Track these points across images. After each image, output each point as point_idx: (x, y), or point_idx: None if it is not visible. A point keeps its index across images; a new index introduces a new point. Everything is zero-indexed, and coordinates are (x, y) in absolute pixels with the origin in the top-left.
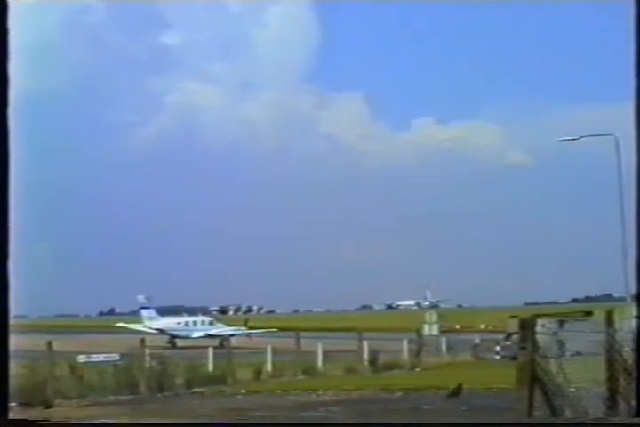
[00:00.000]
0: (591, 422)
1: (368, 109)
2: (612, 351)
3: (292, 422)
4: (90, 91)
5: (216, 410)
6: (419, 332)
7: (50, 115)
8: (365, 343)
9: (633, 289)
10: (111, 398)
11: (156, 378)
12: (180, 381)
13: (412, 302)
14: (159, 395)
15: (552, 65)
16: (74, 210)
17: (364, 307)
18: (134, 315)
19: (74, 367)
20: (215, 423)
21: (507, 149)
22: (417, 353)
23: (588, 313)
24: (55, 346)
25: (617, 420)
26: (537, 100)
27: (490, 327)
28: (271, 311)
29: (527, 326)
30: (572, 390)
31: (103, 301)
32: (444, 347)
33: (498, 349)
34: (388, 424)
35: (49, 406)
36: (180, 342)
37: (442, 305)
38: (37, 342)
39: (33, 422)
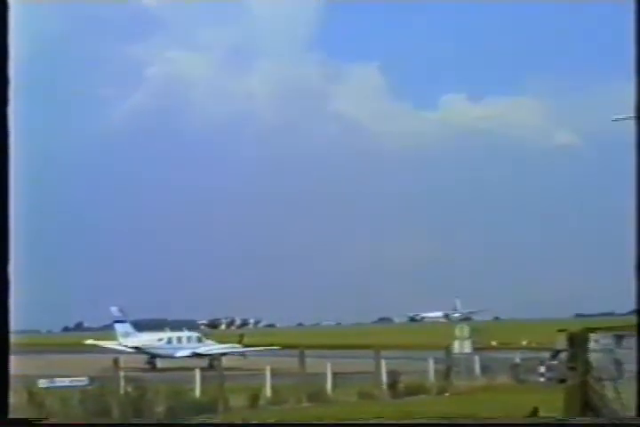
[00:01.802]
0: (592, 422)
1: (385, 83)
2: None
3: None
4: (61, 60)
5: None
6: (448, 349)
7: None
8: (384, 363)
9: None
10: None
11: (133, 406)
12: (160, 409)
13: (439, 314)
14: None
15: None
16: (31, 201)
17: (383, 320)
18: (106, 330)
19: (33, 394)
20: (216, 423)
21: (550, 128)
22: (446, 375)
23: None
24: (10, 368)
25: (617, 420)
26: (586, 72)
27: (533, 344)
28: (271, 325)
29: (578, 342)
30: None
31: (68, 313)
32: (477, 367)
33: (542, 369)
34: (387, 424)
35: None
36: (161, 363)
37: (475, 317)
38: None
39: (33, 422)
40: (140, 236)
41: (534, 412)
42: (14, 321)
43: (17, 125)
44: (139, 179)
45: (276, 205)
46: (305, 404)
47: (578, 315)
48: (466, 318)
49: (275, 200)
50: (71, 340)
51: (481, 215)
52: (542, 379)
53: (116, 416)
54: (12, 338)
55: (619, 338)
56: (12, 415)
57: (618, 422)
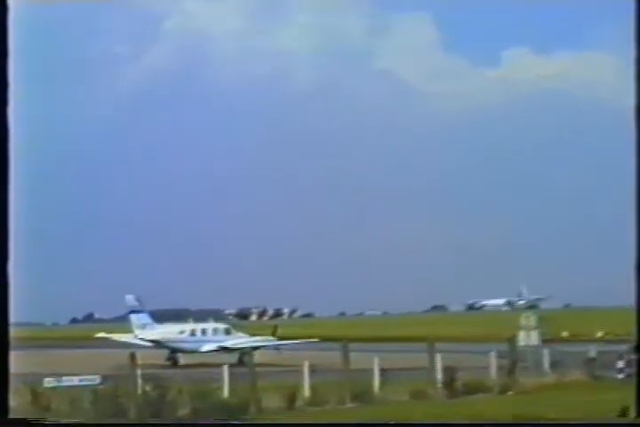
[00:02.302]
0: (592, 422)
1: (438, 37)
2: None
3: None
4: (62, 15)
5: None
6: (512, 341)
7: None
8: (439, 358)
9: None
10: (113, 424)
11: (151, 408)
12: (183, 412)
13: (501, 302)
14: (218, 425)
15: None
16: (37, 176)
17: (436, 308)
18: (120, 322)
19: (38, 395)
20: (217, 424)
21: (628, 87)
22: (509, 371)
23: None
24: (11, 366)
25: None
26: None
27: (610, 335)
28: (308, 315)
29: None
30: None
31: (78, 303)
32: (546, 362)
33: (621, 364)
34: (387, 424)
35: None
36: (183, 359)
37: (543, 305)
38: None
39: (32, 421)
40: (159, 217)
41: (624, 411)
42: (15, 313)
43: (21, 89)
44: (159, 150)
45: (315, 179)
46: (349, 404)
47: None
48: (532, 306)
49: (314, 174)
50: (80, 333)
51: (548, 189)
52: (620, 375)
53: (132, 421)
54: (13, 331)
55: None
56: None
57: None
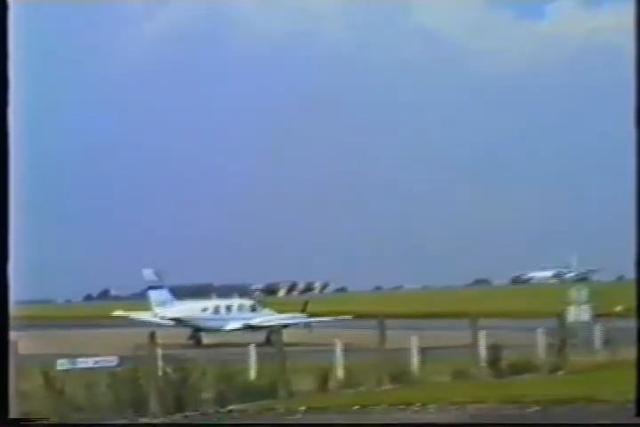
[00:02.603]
0: (592, 422)
1: None
2: None
3: None
4: None
5: None
6: (561, 317)
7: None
8: (482, 335)
9: None
10: (106, 424)
11: (174, 391)
12: (208, 395)
13: (549, 274)
14: (178, 416)
15: None
16: (50, 147)
17: (479, 282)
18: (138, 299)
19: (50, 378)
20: (218, 424)
21: None
22: (559, 349)
23: None
24: (21, 347)
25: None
26: None
27: None
28: (341, 289)
29: None
30: None
31: (92, 279)
32: (598, 339)
33: None
34: (388, 424)
35: None
36: (206, 338)
37: (594, 277)
38: None
39: (32, 421)
40: (178, 186)
41: None
42: (24, 289)
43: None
44: (177, 116)
45: (348, 145)
46: (386, 386)
47: None
48: (583, 278)
49: (344, 140)
50: (95, 311)
51: (601, 156)
52: None
53: (153, 404)
54: (22, 309)
55: None
56: (26, 404)
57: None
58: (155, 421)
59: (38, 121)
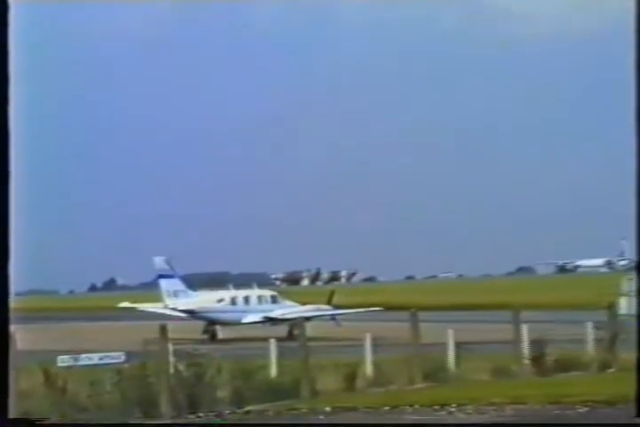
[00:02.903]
0: (592, 422)
1: None
2: None
3: None
4: None
5: None
6: (611, 309)
7: None
8: (525, 329)
9: None
10: (112, 425)
11: (187, 391)
12: (224, 394)
13: (599, 262)
14: (191, 417)
15: None
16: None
17: (522, 270)
18: (148, 289)
19: (51, 375)
20: (218, 423)
21: None
22: (609, 344)
23: None
24: (20, 341)
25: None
26: None
27: None
28: (370, 279)
29: None
30: None
31: (97, 268)
32: None
33: None
34: (387, 424)
35: None
36: (223, 332)
37: None
38: None
39: (33, 421)
40: (190, 170)
41: None
42: (23, 279)
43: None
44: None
45: (380, 119)
46: (419, 384)
47: None
48: (637, 267)
49: (373, 105)
50: (100, 302)
51: None
52: None
53: (163, 404)
54: (21, 301)
55: None
56: (24, 405)
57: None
58: (165, 422)
59: (40, 115)
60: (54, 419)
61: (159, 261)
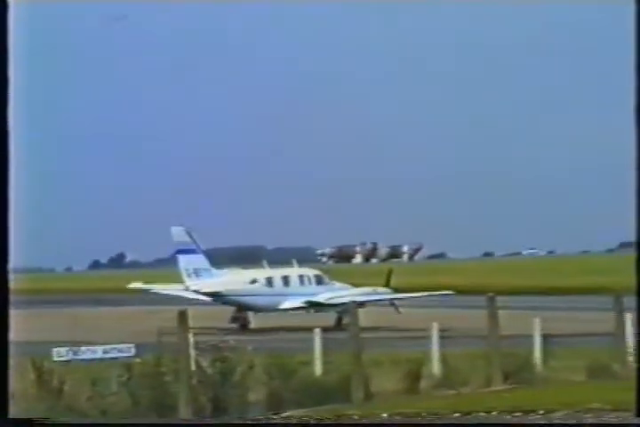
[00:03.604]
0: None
1: None
2: None
3: None
4: None
5: None
6: None
7: None
8: (628, 318)
9: None
10: (114, 424)
11: (211, 391)
12: (257, 396)
13: None
14: (217, 425)
15: None
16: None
17: (625, 245)
18: (163, 266)
19: (45, 372)
20: (219, 423)
21: None
22: None
23: None
24: (11, 331)
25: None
26: None
27: None
28: (439, 255)
29: None
30: None
31: (103, 241)
32: None
33: None
34: (388, 425)
35: None
36: (256, 320)
37: None
38: None
39: (33, 421)
40: (213, 124)
41: None
42: (11, 255)
43: None
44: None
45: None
46: (498, 386)
47: None
48: None
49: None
50: (105, 283)
51: None
52: None
53: (183, 408)
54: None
55: None
56: (12, 408)
57: None
58: (167, 422)
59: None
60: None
61: (178, 233)
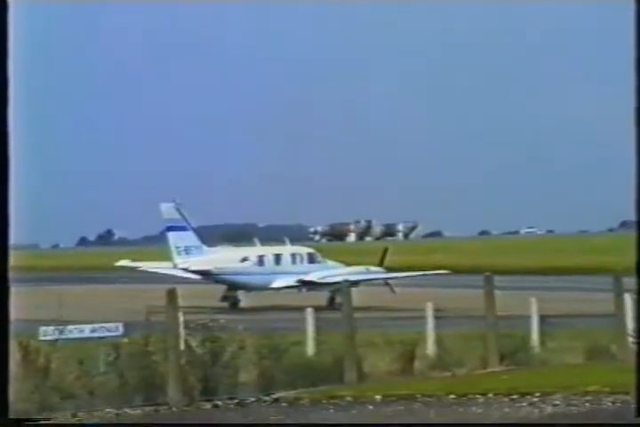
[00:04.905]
0: (591, 422)
1: None
2: None
3: None
4: None
5: None
6: None
7: None
8: (628, 299)
9: None
10: (108, 413)
11: (201, 371)
12: (248, 377)
13: None
14: (206, 407)
15: None
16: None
17: (627, 225)
18: (152, 243)
19: (31, 351)
20: (219, 424)
21: None
22: None
23: None
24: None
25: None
26: None
27: None
28: (435, 234)
29: None
30: None
31: (89, 217)
32: None
33: None
34: (388, 424)
35: None
36: (247, 299)
37: None
38: None
39: (33, 421)
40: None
41: None
42: None
43: None
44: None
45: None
46: (494, 368)
47: None
48: None
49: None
50: (93, 260)
51: None
52: None
53: (171, 389)
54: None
55: None
56: None
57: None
58: (171, 422)
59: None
60: (33, 407)
61: (167, 209)
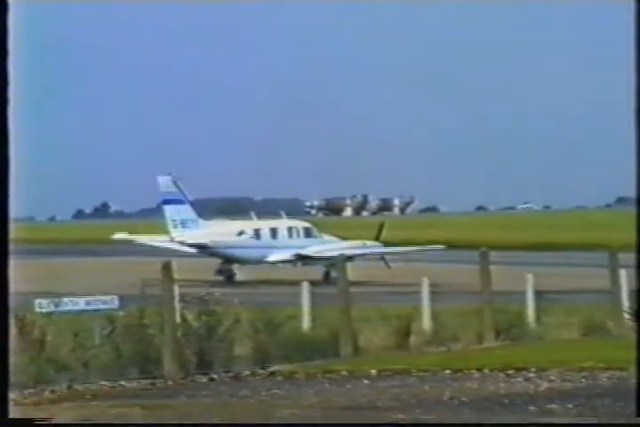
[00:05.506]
0: (591, 422)
1: None
2: None
3: None
4: None
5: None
6: None
7: None
8: (623, 275)
9: None
10: (104, 386)
11: (196, 345)
12: (243, 350)
13: None
14: (201, 380)
15: None
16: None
17: (623, 201)
18: (148, 216)
19: (27, 323)
20: (220, 424)
21: None
22: None
23: None
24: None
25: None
26: None
27: None
28: (431, 209)
29: None
30: None
31: (85, 190)
32: None
33: None
34: (389, 424)
35: None
36: (242, 273)
37: None
38: None
39: (33, 421)
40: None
41: None
42: None
43: None
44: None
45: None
46: (490, 343)
47: None
48: None
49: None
50: (89, 233)
51: None
52: None
53: (167, 362)
54: None
55: None
56: None
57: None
58: (168, 383)
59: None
60: (29, 380)
61: (164, 182)
